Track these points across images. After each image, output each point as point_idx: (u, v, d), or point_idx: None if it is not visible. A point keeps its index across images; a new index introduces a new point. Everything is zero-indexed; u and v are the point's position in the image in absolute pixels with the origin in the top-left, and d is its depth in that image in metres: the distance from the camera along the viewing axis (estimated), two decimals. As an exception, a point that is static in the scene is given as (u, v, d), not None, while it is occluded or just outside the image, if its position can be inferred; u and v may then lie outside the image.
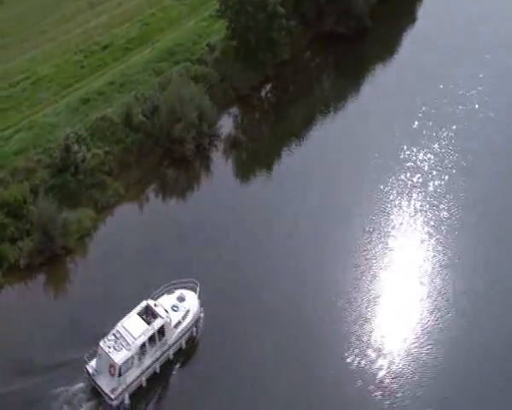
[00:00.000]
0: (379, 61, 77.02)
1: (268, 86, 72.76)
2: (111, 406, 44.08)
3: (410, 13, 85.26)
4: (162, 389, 45.13)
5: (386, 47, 79.37)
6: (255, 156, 64.66)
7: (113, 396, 44.14)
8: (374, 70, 75.70)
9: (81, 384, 45.41)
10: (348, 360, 47.60)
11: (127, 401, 44.27)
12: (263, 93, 72.07)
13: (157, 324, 46.03)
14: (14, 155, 60.37)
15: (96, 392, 44.65)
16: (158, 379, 45.44)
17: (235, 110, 69.34)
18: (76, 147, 58.61)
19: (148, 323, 46.11)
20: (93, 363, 45.57)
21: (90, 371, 45.22)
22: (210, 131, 63.65)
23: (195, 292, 49.31)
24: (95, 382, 44.90)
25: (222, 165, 62.88)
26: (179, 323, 47.44)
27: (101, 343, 45.32)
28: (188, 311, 48.09)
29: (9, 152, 60.56)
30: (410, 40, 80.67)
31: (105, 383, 44.45)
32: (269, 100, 71.73)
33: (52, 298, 52.31)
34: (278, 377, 46.08)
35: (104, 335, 45.83)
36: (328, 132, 66.77)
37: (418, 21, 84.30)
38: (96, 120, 62.41)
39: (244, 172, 62.60)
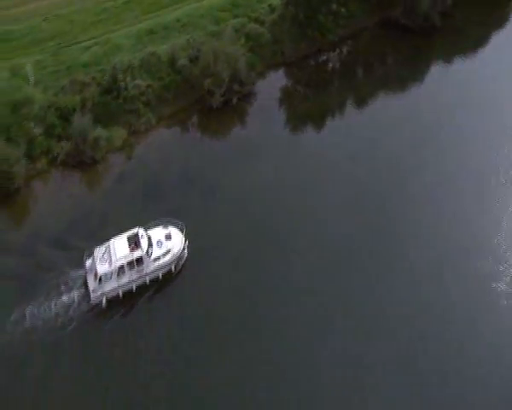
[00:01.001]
0: (437, 61, 76.23)
1: (317, 60, 75.69)
2: (90, 302, 53.60)
3: (489, 19, 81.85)
4: (134, 303, 54.17)
5: (451, 50, 77.93)
6: (277, 123, 68.82)
7: (92, 295, 53.70)
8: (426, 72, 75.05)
9: (81, 272, 55.11)
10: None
11: (104, 303, 53.74)
12: (310, 65, 75.22)
13: (136, 254, 54.44)
14: (82, 66, 69.39)
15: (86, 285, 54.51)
16: (133, 296, 54.63)
17: (277, 74, 73.76)
18: (121, 76, 66.73)
19: (132, 249, 54.66)
20: (88, 262, 55.03)
21: (86, 267, 54.80)
22: (240, 90, 69.44)
23: (183, 234, 56.48)
24: (85, 278, 54.49)
25: (242, 121, 68.60)
26: (158, 258, 55.10)
27: (95, 250, 54.80)
28: (169, 250, 55.39)
29: (81, 63, 69.61)
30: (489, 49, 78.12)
31: (90, 283, 54.15)
32: (314, 73, 74.62)
33: (75, 194, 61.79)
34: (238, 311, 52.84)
35: (103, 242, 55.20)
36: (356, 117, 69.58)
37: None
38: (147, 54, 70.04)
39: (260, 132, 67.68)
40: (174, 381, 49.52)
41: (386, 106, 69.98)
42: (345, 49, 77.19)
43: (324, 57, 75.84)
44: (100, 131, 64.66)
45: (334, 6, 74.28)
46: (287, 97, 71.32)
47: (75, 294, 54.96)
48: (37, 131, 64.85)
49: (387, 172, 62.86)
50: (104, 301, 54.03)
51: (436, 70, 75.23)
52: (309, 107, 70.16)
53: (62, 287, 55.34)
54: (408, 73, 74.24)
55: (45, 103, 66.17)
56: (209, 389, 48.92)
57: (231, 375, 49.57)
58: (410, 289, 54.15)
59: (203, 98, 68.33)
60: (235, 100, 68.89)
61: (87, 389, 49.57)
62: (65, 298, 54.93)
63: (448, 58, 76.53)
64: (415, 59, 75.43)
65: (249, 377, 49.71)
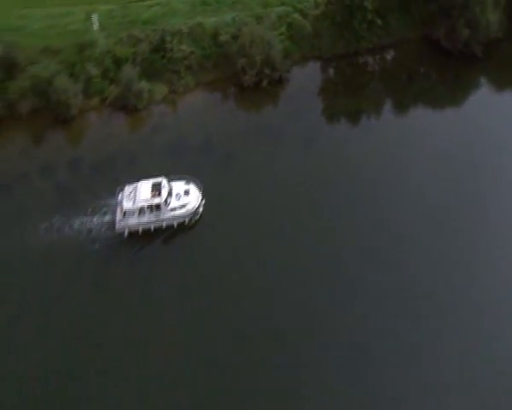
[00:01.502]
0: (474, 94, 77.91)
1: (353, 62, 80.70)
2: (114, 230, 67.76)
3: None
4: (151, 241, 66.61)
5: (492, 81, 78.91)
6: (303, 113, 75.13)
7: (117, 225, 67.26)
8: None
9: (113, 202, 68.16)
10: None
11: (126, 234, 67.92)
12: (345, 65, 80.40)
13: (156, 200, 66.13)
14: (142, 23, 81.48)
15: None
16: (151, 235, 67.01)
17: (312, 67, 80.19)
18: (169, 38, 78.99)
19: (154, 195, 67.34)
20: (119, 195, 68.87)
21: (117, 199, 68.64)
22: (272, 74, 77.91)
23: (200, 193, 67.09)
24: (115, 208, 68.46)
25: (270, 104, 76.98)
26: (174, 209, 66.42)
27: (125, 188, 68.51)
28: (185, 204, 66.62)
29: (142, 20, 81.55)
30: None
31: (117, 214, 67.90)
32: (347, 74, 79.51)
33: (116, 134, 75.37)
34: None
35: (133, 181, 68.89)
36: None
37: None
38: (195, 23, 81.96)
39: (285, 118, 75.25)
40: (182, 307, 60.70)
41: (413, 120, 74.86)
42: (382, 58, 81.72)
43: (360, 61, 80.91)
44: (144, 84, 77.57)
45: (370, 15, 79.50)
46: (317, 91, 78.30)
47: (105, 219, 68.97)
48: (95, 72, 78.10)
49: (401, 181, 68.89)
50: (126, 232, 67.89)
51: (472, 98, 77.95)
52: (337, 104, 75.97)
53: (96, 210, 69.30)
54: (441, 93, 77.62)
55: (105, 49, 79.02)
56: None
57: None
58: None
59: (237, 75, 78.52)
60: (265, 83, 77.81)
61: (98, 303, 62.49)
62: (95, 220, 68.73)
63: (486, 88, 78.77)
64: (451, 82, 78.57)
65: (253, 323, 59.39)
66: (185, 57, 80.00)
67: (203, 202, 67.88)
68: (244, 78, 78.39)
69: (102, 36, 79.32)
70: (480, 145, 72.04)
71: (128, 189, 67.99)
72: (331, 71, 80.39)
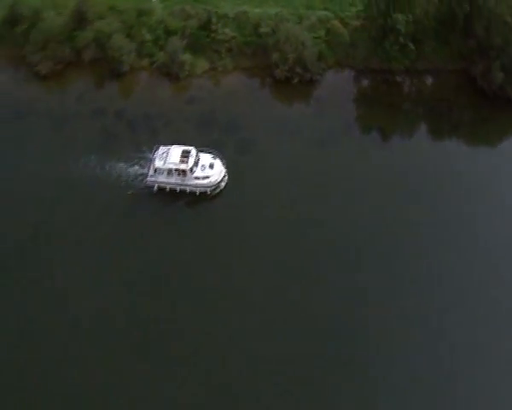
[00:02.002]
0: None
1: (384, 78, 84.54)
2: (146, 182, 78.34)
3: None
4: (175, 200, 76.49)
5: None
6: (326, 117, 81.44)
7: (148, 179, 77.15)
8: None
9: (150, 157, 78.24)
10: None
11: (155, 189, 78.68)
12: (376, 80, 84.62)
13: (182, 166, 75.27)
14: (194, 0, 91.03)
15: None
16: (176, 194, 76.81)
17: (344, 75, 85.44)
18: (215, 20, 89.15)
19: (181, 161, 75.94)
20: (155, 153, 78.33)
21: (152, 156, 77.81)
22: (302, 73, 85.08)
23: (224, 169, 75.74)
24: (150, 164, 78.42)
25: (298, 101, 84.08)
26: (198, 178, 75.28)
27: (160, 147, 79.26)
28: (208, 176, 75.57)
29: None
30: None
31: (150, 169, 78.44)
32: (376, 89, 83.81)
33: (158, 96, 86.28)
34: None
35: (168, 143, 78.94)
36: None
37: None
38: (241, 11, 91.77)
39: (309, 118, 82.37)
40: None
41: (434, 149, 77.93)
42: (415, 82, 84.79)
43: (393, 79, 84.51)
44: (187, 57, 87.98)
45: (402, 39, 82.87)
46: (346, 99, 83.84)
47: (139, 170, 79.49)
48: (148, 38, 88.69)
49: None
50: (156, 187, 77.64)
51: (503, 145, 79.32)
52: (363, 116, 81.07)
53: (133, 160, 79.79)
54: (472, 131, 79.56)
55: (160, 18, 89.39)
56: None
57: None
58: None
59: (271, 66, 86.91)
60: (296, 80, 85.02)
61: (123, 239, 73.38)
62: (131, 169, 79.79)
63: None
64: (484, 121, 79.73)
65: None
66: (227, 40, 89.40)
67: (226, 177, 77.14)
68: (276, 71, 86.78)
69: (160, 7, 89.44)
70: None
71: (162, 149, 78.50)
72: (363, 83, 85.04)
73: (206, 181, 76.86)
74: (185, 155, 77.36)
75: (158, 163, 77.25)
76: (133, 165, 79.80)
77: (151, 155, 79.17)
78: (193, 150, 77.88)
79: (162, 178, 77.34)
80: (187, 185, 77.02)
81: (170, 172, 76.92)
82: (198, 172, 76.89)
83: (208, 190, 77.00)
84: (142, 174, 79.05)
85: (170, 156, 77.36)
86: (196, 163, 77.31)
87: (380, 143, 79.75)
